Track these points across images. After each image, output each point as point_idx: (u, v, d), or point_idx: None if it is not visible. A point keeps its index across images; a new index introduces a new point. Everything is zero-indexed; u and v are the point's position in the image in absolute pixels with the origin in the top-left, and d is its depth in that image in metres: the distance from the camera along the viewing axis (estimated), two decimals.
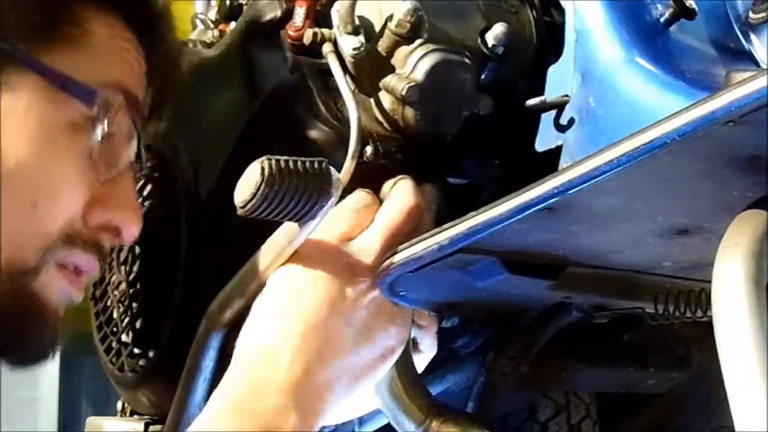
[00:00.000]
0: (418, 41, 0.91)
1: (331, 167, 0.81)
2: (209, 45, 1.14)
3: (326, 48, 0.93)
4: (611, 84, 0.87)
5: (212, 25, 1.17)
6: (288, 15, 0.96)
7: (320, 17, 0.95)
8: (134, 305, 1.11)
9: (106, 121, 0.82)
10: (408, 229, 0.86)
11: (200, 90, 1.09)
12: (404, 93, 0.90)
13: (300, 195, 0.79)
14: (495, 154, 0.97)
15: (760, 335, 0.59)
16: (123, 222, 0.86)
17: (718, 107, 0.58)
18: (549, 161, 0.91)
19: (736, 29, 0.90)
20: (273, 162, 0.78)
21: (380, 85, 0.93)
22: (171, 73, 0.95)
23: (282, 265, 0.84)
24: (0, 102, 0.78)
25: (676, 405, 1.22)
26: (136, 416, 1.16)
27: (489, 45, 0.94)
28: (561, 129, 0.91)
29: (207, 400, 0.88)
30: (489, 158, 0.97)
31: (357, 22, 0.93)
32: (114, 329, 1.13)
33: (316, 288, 0.83)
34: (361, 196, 0.88)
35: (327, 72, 0.93)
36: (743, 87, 0.57)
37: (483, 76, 0.94)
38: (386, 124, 0.93)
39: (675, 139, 0.61)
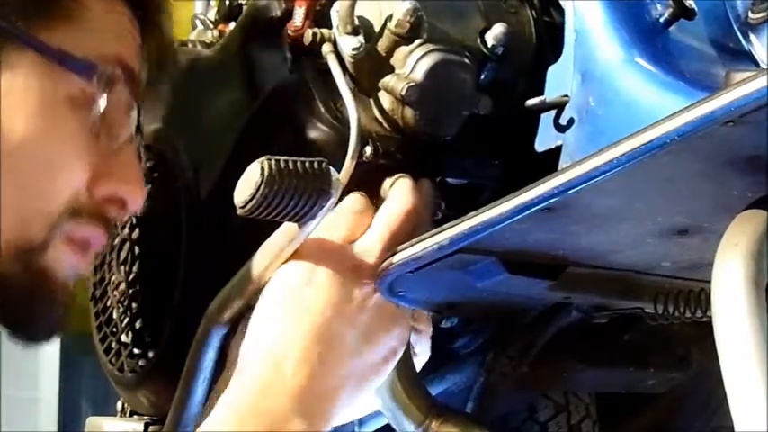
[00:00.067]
0: (418, 41, 0.91)
1: (331, 168, 0.81)
2: (208, 45, 1.14)
3: (326, 48, 0.93)
4: (610, 84, 0.87)
5: (212, 25, 1.17)
6: (287, 15, 0.96)
7: (320, 17, 0.95)
8: (134, 305, 1.11)
9: (106, 95, 0.82)
10: (409, 229, 0.86)
11: (200, 90, 1.09)
12: (403, 93, 0.90)
13: (300, 195, 0.79)
14: (495, 154, 0.97)
15: (760, 335, 0.59)
16: (128, 193, 0.86)
17: (718, 107, 0.58)
18: (549, 161, 0.91)
19: (736, 29, 0.90)
20: (273, 162, 0.78)
21: (380, 85, 0.93)
22: (164, 46, 0.95)
23: (282, 264, 0.84)
24: (0, 81, 0.78)
25: (676, 405, 1.22)
26: (136, 416, 1.16)
27: (489, 45, 0.94)
28: (561, 129, 0.91)
29: (207, 400, 0.88)
30: (489, 158, 0.97)
31: (357, 22, 0.93)
32: (114, 329, 1.13)
33: (321, 289, 0.83)
34: (357, 199, 0.88)
35: (327, 72, 0.93)
36: (742, 87, 0.57)
37: (482, 77, 0.94)
38: (385, 124, 0.93)
39: (675, 139, 0.61)
